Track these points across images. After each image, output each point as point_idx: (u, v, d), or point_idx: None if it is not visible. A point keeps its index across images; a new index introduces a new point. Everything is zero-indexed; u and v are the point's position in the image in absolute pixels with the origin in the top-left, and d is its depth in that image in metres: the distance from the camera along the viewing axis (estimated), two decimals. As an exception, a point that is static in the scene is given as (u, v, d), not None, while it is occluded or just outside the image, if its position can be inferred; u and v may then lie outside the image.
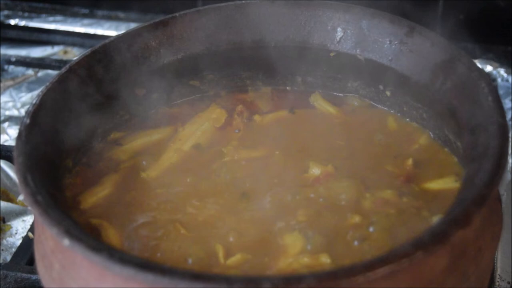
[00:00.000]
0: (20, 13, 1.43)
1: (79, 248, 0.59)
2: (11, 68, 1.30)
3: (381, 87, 0.84)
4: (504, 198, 0.95)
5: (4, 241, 0.95)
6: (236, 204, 0.73)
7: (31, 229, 0.93)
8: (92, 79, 0.79)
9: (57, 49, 1.36)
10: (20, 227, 0.97)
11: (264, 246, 0.68)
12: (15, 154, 0.67)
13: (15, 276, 0.85)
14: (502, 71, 1.23)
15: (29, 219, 0.98)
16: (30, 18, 1.43)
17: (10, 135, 1.15)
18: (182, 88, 0.88)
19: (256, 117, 0.85)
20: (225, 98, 0.88)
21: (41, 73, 1.30)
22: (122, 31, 0.84)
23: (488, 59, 1.25)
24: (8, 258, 0.91)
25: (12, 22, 1.42)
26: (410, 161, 0.76)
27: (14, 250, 0.92)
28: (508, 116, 1.13)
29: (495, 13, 1.26)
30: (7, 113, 1.21)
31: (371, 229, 0.69)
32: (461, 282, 0.62)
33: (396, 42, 0.81)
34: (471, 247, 0.63)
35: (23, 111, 1.21)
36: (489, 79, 0.72)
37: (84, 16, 1.42)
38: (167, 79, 0.85)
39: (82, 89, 0.78)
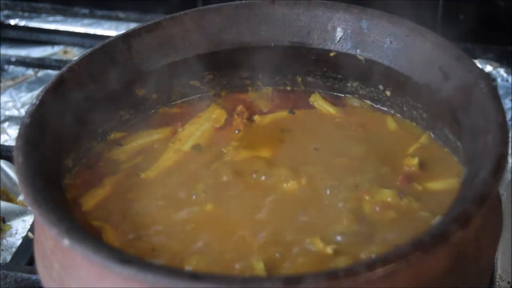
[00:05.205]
0: (20, 13, 1.43)
1: (79, 248, 0.59)
2: (11, 68, 1.30)
3: (381, 87, 0.84)
4: (504, 198, 0.95)
5: (4, 241, 0.95)
6: (237, 206, 0.73)
7: (31, 229, 0.93)
8: (92, 79, 0.79)
9: (57, 49, 1.36)
10: (20, 227, 0.97)
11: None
12: (15, 154, 0.67)
13: (15, 276, 0.85)
14: (502, 71, 1.23)
15: (29, 219, 0.98)
16: (30, 18, 1.43)
17: (10, 135, 1.15)
18: (182, 88, 0.88)
19: (256, 118, 0.85)
20: (225, 98, 0.88)
21: (41, 73, 1.30)
22: (122, 31, 0.84)
23: (488, 59, 1.25)
24: (8, 258, 0.91)
25: (12, 22, 1.42)
26: (416, 161, 0.76)
27: (14, 250, 0.92)
28: (508, 116, 1.13)
29: (495, 13, 1.26)
30: (7, 113, 1.21)
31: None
32: (461, 282, 0.62)
33: (396, 42, 0.81)
34: (471, 247, 0.63)
35: (23, 111, 1.21)
36: (489, 79, 0.72)
37: (84, 16, 1.42)
38: (167, 79, 0.85)
39: (82, 89, 0.78)
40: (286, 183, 0.75)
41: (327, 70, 0.87)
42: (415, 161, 0.76)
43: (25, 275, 0.85)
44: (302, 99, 0.88)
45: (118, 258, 0.58)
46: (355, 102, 0.87)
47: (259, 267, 0.65)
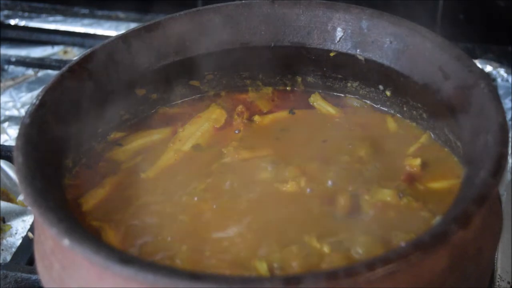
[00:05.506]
0: (20, 13, 1.43)
1: (79, 248, 0.59)
2: (11, 68, 1.30)
3: (381, 87, 0.84)
4: (504, 198, 0.95)
5: (4, 241, 0.95)
6: (237, 206, 0.73)
7: (31, 229, 0.93)
8: (92, 79, 0.79)
9: (57, 49, 1.36)
10: (20, 227, 0.97)
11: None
12: (15, 154, 0.67)
13: (15, 276, 0.85)
14: (502, 71, 1.23)
15: (29, 219, 0.98)
16: (30, 18, 1.43)
17: (10, 135, 1.15)
18: (182, 88, 0.88)
19: (256, 118, 0.85)
20: (225, 98, 0.88)
21: (41, 73, 1.30)
22: (122, 31, 0.84)
23: (488, 59, 1.25)
24: (8, 258, 0.91)
25: (12, 22, 1.42)
26: (418, 162, 0.76)
27: (14, 250, 0.92)
28: (508, 116, 1.13)
29: (495, 13, 1.26)
30: (7, 113, 1.21)
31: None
32: (461, 282, 0.62)
33: (396, 42, 0.81)
34: (471, 247, 0.63)
35: (23, 111, 1.21)
36: (489, 79, 0.72)
37: (84, 16, 1.42)
38: (167, 79, 0.85)
39: (82, 89, 0.78)
40: (285, 183, 0.75)
41: (327, 70, 0.87)
42: (418, 161, 0.76)
43: (25, 275, 0.85)
44: (302, 99, 0.88)
45: (118, 258, 0.58)
46: (355, 102, 0.87)
47: (262, 268, 0.65)
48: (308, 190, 0.74)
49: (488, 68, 1.23)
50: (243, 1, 0.86)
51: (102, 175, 0.78)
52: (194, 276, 0.56)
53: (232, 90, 0.89)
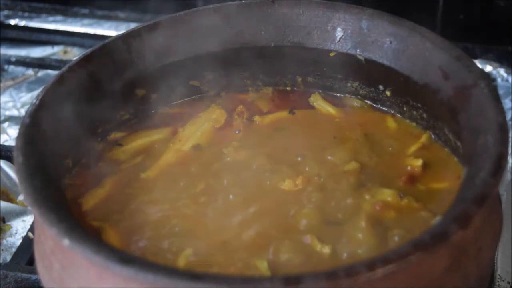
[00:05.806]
0: (20, 13, 1.43)
1: (79, 248, 0.59)
2: (11, 68, 1.31)
3: (381, 87, 0.84)
4: (504, 198, 0.95)
5: (4, 241, 0.95)
6: (237, 205, 0.73)
7: (31, 229, 0.93)
8: (92, 79, 0.79)
9: (57, 49, 1.36)
10: (20, 227, 0.97)
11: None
12: (15, 154, 0.67)
13: (15, 276, 0.85)
14: (502, 71, 1.23)
15: (29, 219, 0.98)
16: (30, 18, 1.43)
17: (10, 135, 1.15)
18: (182, 88, 0.88)
19: (256, 118, 0.85)
20: (225, 98, 0.88)
21: (41, 73, 1.30)
22: (122, 31, 0.84)
23: (488, 59, 1.25)
24: (8, 258, 0.91)
25: (12, 22, 1.42)
26: (419, 162, 0.76)
27: (14, 250, 0.92)
28: (508, 116, 1.13)
29: (495, 13, 1.26)
30: (7, 113, 1.21)
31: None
32: (461, 282, 0.62)
33: (396, 42, 0.81)
34: (471, 247, 0.63)
35: (23, 111, 1.21)
36: (489, 79, 0.72)
37: (84, 16, 1.42)
38: (167, 79, 0.86)
39: (82, 89, 0.78)
40: (285, 182, 0.75)
41: (327, 70, 0.87)
42: (419, 162, 0.76)
43: (25, 275, 0.85)
44: (302, 99, 0.88)
45: (118, 258, 0.58)
46: (355, 102, 0.87)
47: (263, 267, 0.65)
48: (307, 189, 0.74)
49: (488, 68, 1.23)
50: (243, 1, 0.86)
51: (102, 175, 0.78)
52: (194, 276, 0.56)
53: (232, 90, 0.89)
